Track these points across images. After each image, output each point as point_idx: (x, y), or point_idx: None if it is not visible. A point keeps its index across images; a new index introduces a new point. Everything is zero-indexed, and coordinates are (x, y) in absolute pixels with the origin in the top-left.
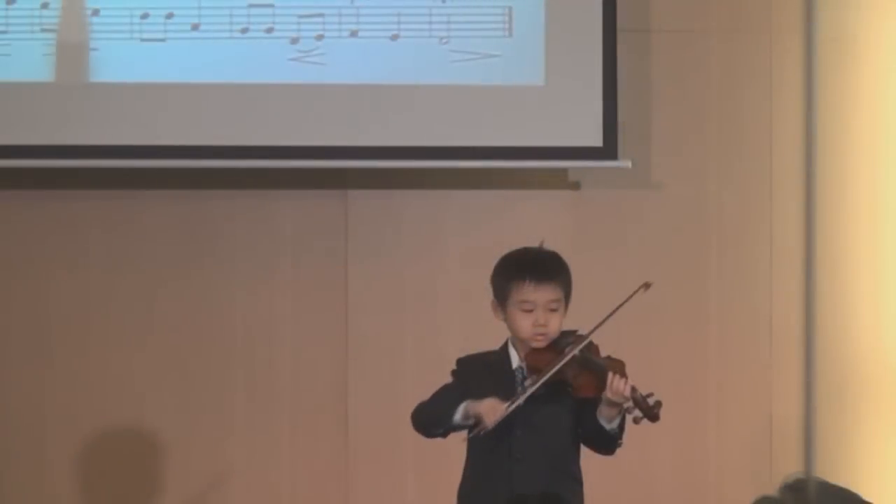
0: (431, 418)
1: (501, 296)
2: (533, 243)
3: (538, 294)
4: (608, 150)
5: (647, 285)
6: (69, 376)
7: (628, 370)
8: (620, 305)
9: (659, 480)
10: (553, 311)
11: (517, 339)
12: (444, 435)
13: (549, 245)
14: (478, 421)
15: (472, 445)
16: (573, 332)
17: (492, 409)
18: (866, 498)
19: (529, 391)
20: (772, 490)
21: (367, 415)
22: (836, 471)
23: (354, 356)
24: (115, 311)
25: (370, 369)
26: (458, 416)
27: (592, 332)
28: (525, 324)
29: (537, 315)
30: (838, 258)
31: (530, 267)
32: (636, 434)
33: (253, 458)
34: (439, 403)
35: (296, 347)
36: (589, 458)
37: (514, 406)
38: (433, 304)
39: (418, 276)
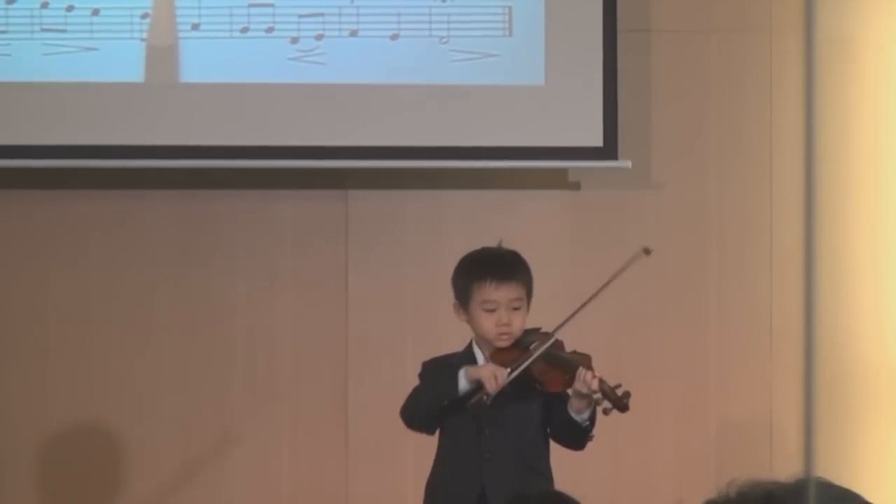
0: (435, 400)
1: (463, 297)
2: (533, 243)
3: (500, 293)
4: (608, 150)
5: (609, 281)
6: (69, 376)
7: (626, 369)
8: (592, 297)
9: (659, 480)
10: (516, 309)
11: (481, 340)
12: (437, 427)
13: (550, 245)
14: (479, 386)
15: (444, 440)
16: (537, 330)
17: (492, 375)
18: (867, 498)
19: (535, 356)
20: None
21: (367, 415)
22: (836, 471)
23: (354, 356)
24: (115, 311)
25: (370, 369)
26: (462, 382)
27: (571, 316)
28: (488, 324)
29: (500, 314)
30: (838, 258)
31: (491, 266)
32: (636, 434)
33: (253, 457)
34: (432, 387)
35: (296, 347)
36: (589, 458)
37: (517, 371)
38: (433, 304)
39: (418, 276)
